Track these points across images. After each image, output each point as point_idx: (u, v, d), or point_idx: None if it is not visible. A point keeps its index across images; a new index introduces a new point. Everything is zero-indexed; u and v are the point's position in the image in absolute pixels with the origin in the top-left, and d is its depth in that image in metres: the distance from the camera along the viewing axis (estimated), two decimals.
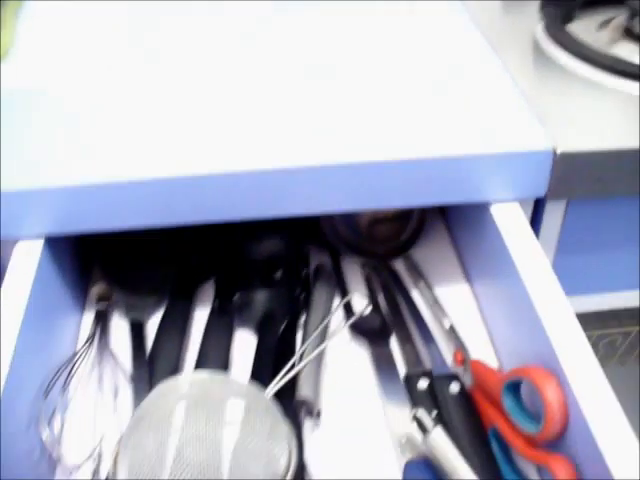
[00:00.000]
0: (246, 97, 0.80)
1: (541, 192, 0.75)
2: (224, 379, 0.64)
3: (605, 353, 1.02)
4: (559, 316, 0.64)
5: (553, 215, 0.80)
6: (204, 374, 0.66)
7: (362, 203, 0.74)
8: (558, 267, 0.69)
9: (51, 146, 0.74)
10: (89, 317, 0.82)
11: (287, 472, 0.60)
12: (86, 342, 0.77)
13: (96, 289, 0.84)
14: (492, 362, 0.77)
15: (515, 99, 0.79)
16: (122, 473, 0.59)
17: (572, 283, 0.69)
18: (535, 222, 0.80)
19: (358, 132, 0.74)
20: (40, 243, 0.74)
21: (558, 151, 0.72)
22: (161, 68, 0.86)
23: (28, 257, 0.73)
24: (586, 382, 0.59)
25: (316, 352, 0.73)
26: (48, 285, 0.75)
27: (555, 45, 0.89)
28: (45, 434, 0.65)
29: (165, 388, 0.63)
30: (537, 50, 0.90)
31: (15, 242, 0.74)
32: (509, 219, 0.74)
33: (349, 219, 0.89)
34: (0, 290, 0.69)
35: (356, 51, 0.88)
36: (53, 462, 0.68)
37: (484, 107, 0.78)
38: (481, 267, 0.82)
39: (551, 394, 0.59)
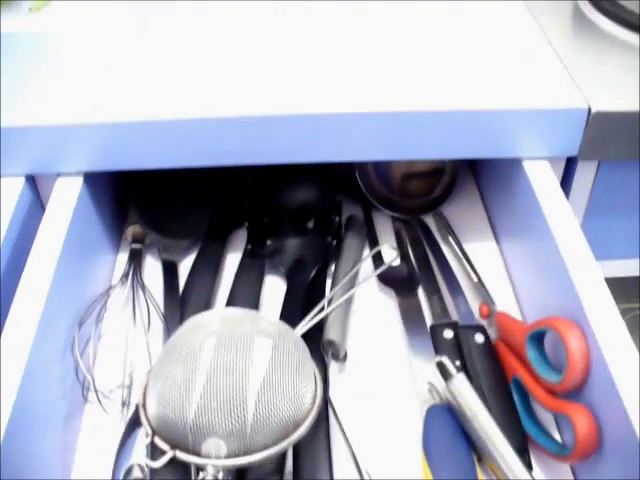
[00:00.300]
0: (283, 43, 0.82)
1: (573, 151, 0.76)
2: (255, 315, 0.66)
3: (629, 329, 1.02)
4: (586, 271, 0.65)
5: (584, 176, 0.80)
6: (235, 310, 0.68)
7: (395, 153, 0.75)
8: (586, 230, 0.70)
9: (93, 84, 0.76)
10: (124, 257, 0.84)
11: (312, 409, 0.61)
12: (121, 278, 0.79)
13: (131, 230, 0.85)
14: (517, 316, 0.77)
15: (552, 60, 0.79)
16: (151, 402, 0.61)
17: (599, 247, 0.69)
18: (566, 182, 0.81)
19: (395, 82, 0.75)
20: (80, 180, 0.76)
21: (593, 110, 0.72)
22: (190, 17, 0.88)
23: (68, 193, 0.74)
24: (610, 334, 0.60)
25: (345, 297, 0.75)
26: (86, 221, 0.77)
27: (593, 8, 0.89)
28: (78, 361, 0.67)
29: (196, 323, 0.64)
30: (576, 13, 0.90)
31: (55, 178, 0.76)
32: (541, 176, 0.75)
33: (383, 173, 0.90)
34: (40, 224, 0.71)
35: (395, 5, 0.88)
36: (85, 389, 0.70)
37: (521, 66, 0.78)
38: (510, 224, 0.83)
39: (574, 343, 0.60)
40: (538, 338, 0.65)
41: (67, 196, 0.74)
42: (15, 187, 0.75)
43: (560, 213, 0.71)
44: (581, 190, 0.81)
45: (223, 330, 0.62)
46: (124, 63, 0.79)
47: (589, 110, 0.72)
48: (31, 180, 0.77)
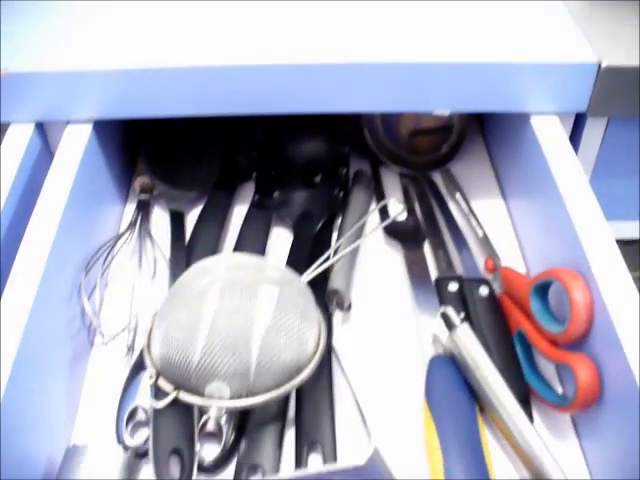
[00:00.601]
0: None
1: (583, 107, 0.75)
2: (260, 262, 0.66)
3: None
4: (592, 224, 0.65)
5: (593, 133, 0.80)
6: (241, 255, 0.68)
7: (403, 105, 0.75)
8: (594, 188, 0.70)
9: (104, 30, 0.77)
10: (131, 208, 0.85)
11: (315, 354, 0.62)
12: (128, 227, 0.79)
13: (139, 181, 0.86)
14: (522, 271, 0.78)
15: (562, 13, 0.79)
16: (156, 343, 0.61)
17: (607, 206, 0.68)
18: (574, 139, 0.80)
19: (404, 33, 0.75)
20: (89, 128, 0.76)
21: (603, 65, 0.72)
22: None
23: (76, 140, 0.75)
24: (614, 286, 0.60)
25: (351, 247, 0.75)
26: (94, 169, 0.77)
27: None
28: (85, 305, 0.68)
29: (201, 267, 0.65)
30: None
31: (64, 126, 0.76)
32: (549, 132, 0.75)
33: (391, 128, 0.90)
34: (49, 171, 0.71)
35: None
36: (91, 333, 0.70)
37: (531, 19, 0.78)
38: (518, 181, 0.83)
39: (578, 293, 0.60)
40: (542, 290, 0.66)
41: (76, 144, 0.74)
42: (24, 134, 0.75)
43: (568, 169, 0.71)
44: (589, 148, 0.81)
45: (229, 276, 0.62)
46: (135, 9, 0.80)
47: (599, 65, 0.72)
48: (40, 127, 0.78)
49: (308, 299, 0.64)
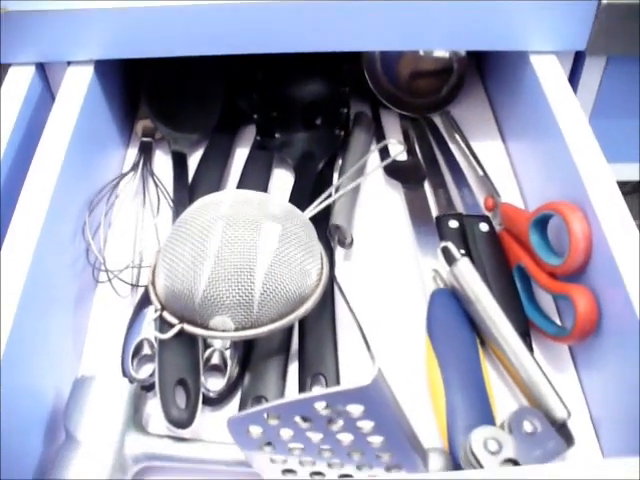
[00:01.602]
0: None
1: (582, 44, 0.75)
2: (263, 197, 0.66)
3: None
4: (592, 162, 0.65)
5: (592, 72, 0.80)
6: (244, 191, 0.69)
7: (401, 42, 0.76)
8: (593, 130, 0.69)
9: None
10: (134, 152, 0.85)
11: (318, 285, 0.63)
12: (131, 168, 0.80)
13: (141, 125, 0.86)
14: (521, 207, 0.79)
15: None
16: (160, 278, 0.62)
17: (606, 148, 0.68)
18: (573, 79, 0.80)
19: None
20: (90, 69, 0.76)
21: (603, 1, 0.71)
22: None
23: (78, 81, 0.75)
24: (613, 217, 0.60)
25: (352, 185, 0.75)
26: (96, 110, 0.78)
27: None
28: (90, 242, 0.69)
29: (205, 203, 0.65)
30: None
31: (65, 67, 0.76)
32: (548, 71, 0.75)
33: (391, 70, 0.90)
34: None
35: None
36: (96, 271, 0.71)
37: None
38: (516, 121, 0.84)
39: (576, 225, 0.61)
40: (542, 224, 0.66)
41: (77, 85, 0.74)
42: (25, 75, 0.75)
43: (568, 108, 0.71)
44: (588, 88, 0.81)
45: (232, 212, 0.62)
46: None
47: (599, 1, 0.72)
48: (41, 69, 0.78)
49: (310, 233, 0.64)
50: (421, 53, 0.90)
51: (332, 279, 0.69)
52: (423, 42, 0.76)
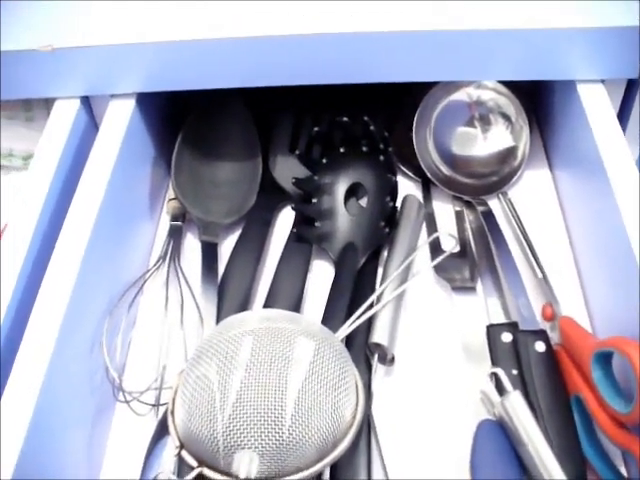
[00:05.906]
0: None
1: (634, 72, 0.71)
2: (294, 317, 0.61)
3: None
4: None
5: None
6: (274, 310, 0.64)
7: (444, 74, 0.75)
8: None
9: (145, 2, 0.76)
10: (165, 222, 0.82)
11: (351, 425, 0.57)
12: (158, 260, 0.75)
13: (171, 205, 0.81)
14: (583, 316, 0.72)
15: None
16: (180, 411, 0.57)
17: None
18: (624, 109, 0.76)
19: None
20: (132, 102, 0.76)
21: None
22: None
23: (120, 114, 0.75)
24: None
25: (396, 293, 0.69)
26: (137, 147, 0.79)
27: None
28: (107, 359, 0.64)
29: (231, 322, 0.61)
30: None
31: (108, 101, 0.76)
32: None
33: (445, 150, 0.83)
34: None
35: None
36: (115, 388, 0.66)
37: None
38: (576, 192, 0.78)
39: None
40: (606, 357, 0.59)
41: (119, 117, 0.75)
42: (71, 109, 0.76)
43: None
44: None
45: (260, 331, 0.57)
46: None
47: None
48: (86, 102, 0.78)
49: (345, 363, 0.58)
50: (479, 133, 0.83)
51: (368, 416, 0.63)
52: (468, 73, 0.75)
